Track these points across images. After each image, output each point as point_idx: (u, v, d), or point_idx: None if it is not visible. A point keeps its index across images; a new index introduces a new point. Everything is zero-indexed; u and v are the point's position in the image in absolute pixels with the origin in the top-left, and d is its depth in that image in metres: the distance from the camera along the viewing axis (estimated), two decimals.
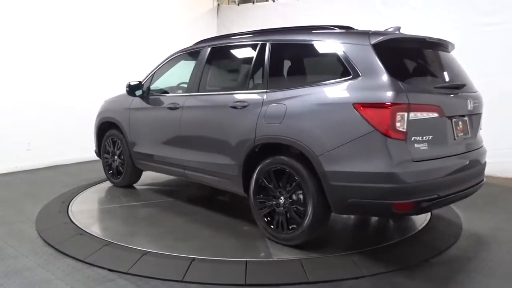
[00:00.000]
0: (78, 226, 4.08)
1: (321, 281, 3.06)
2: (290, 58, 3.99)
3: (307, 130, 3.39)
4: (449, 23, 6.49)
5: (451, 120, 3.40)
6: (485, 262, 3.40)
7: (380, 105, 3.05)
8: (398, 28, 3.60)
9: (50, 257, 3.44)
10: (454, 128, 3.43)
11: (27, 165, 6.80)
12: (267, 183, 3.69)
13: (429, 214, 4.42)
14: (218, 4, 10.07)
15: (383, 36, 3.31)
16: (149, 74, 5.27)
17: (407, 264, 3.33)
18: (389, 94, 3.05)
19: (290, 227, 3.56)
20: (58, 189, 5.47)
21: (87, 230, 3.96)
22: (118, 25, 8.06)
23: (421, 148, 3.14)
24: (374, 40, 3.27)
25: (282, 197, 3.60)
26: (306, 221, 3.43)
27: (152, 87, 5.16)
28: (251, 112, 3.79)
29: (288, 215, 3.57)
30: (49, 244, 3.68)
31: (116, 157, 5.64)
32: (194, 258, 3.34)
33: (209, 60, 4.56)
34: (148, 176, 5.89)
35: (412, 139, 3.09)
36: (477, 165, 3.69)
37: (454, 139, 3.42)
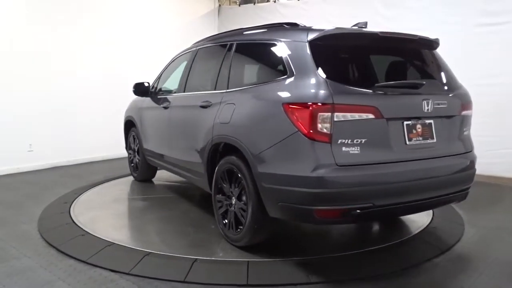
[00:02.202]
0: (80, 227, 4.09)
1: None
2: (245, 57, 3.95)
3: (246, 131, 3.38)
4: (449, 24, 6.48)
5: (402, 122, 3.11)
6: (488, 262, 3.39)
7: (303, 105, 2.90)
8: (365, 24, 3.49)
9: (52, 258, 3.44)
10: (405, 132, 3.12)
11: (29, 166, 6.81)
12: (222, 182, 3.70)
13: (431, 214, 4.41)
14: (219, 5, 10.08)
15: (320, 32, 3.12)
16: (158, 75, 5.55)
17: (409, 264, 3.32)
18: (311, 93, 2.91)
19: (239, 228, 3.54)
20: (60, 190, 5.47)
21: (89, 231, 3.97)
22: (120, 27, 8.09)
23: (351, 152, 2.88)
24: (310, 37, 3.13)
25: (234, 198, 3.58)
26: (246, 223, 3.40)
27: (159, 87, 5.36)
28: (211, 112, 3.84)
29: (236, 215, 3.56)
30: (51, 245, 3.68)
31: (136, 153, 5.98)
32: (196, 258, 3.34)
33: (194, 61, 4.72)
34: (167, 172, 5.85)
35: (339, 142, 2.84)
36: (447, 174, 3.30)
37: (405, 143, 3.11)
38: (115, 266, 3.24)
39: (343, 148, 2.86)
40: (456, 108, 3.43)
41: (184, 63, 4.96)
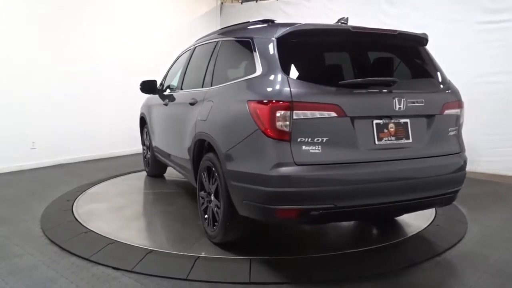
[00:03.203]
0: (82, 225, 4.09)
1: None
2: (226, 55, 3.94)
3: (218, 128, 3.42)
4: (453, 22, 6.46)
5: (372, 121, 3.00)
6: (491, 261, 3.38)
7: (263, 103, 2.87)
8: (346, 19, 3.42)
9: (55, 256, 3.45)
10: (374, 131, 3.00)
11: (32, 164, 6.83)
12: (203, 179, 3.72)
13: (433, 212, 4.40)
14: (222, 3, 10.07)
15: (287, 29, 3.08)
16: (166, 72, 5.66)
17: (411, 263, 3.32)
18: (271, 91, 2.88)
19: (215, 224, 3.56)
20: (63, 188, 5.48)
21: (91, 229, 3.97)
22: (124, 26, 8.09)
23: (311, 151, 2.80)
24: (278, 34, 3.09)
25: (212, 195, 3.59)
26: (219, 220, 3.41)
27: (165, 84, 5.45)
28: (196, 109, 3.89)
29: (213, 212, 3.57)
30: (54, 243, 3.69)
31: (148, 149, 6.14)
32: (199, 256, 3.34)
33: (190, 59, 4.79)
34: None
35: (298, 140, 2.78)
36: (425, 177, 3.12)
37: (374, 143, 2.99)
38: (118, 264, 3.24)
39: (303, 147, 2.80)
40: (436, 107, 3.24)
41: (184, 61, 5.05)
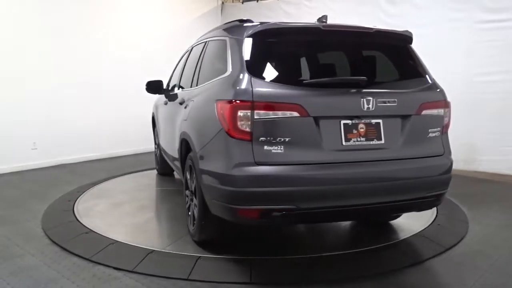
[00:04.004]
0: (84, 225, 4.10)
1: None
2: (208, 55, 3.95)
3: (194, 127, 3.47)
4: (454, 21, 6.45)
5: (340, 121, 2.92)
6: (492, 260, 3.37)
7: (226, 103, 2.88)
8: (325, 17, 3.38)
9: (56, 256, 3.45)
10: (341, 132, 2.92)
11: (33, 164, 6.84)
12: (188, 178, 3.75)
13: (434, 212, 4.40)
14: (222, 2, 10.07)
15: (255, 28, 3.08)
16: (171, 73, 5.76)
17: (412, 262, 3.31)
18: (233, 91, 2.87)
19: (193, 223, 3.59)
20: (64, 188, 5.49)
21: (92, 229, 3.98)
22: (124, 25, 8.10)
23: (273, 151, 2.78)
24: (247, 34, 3.08)
25: (193, 193, 3.62)
26: (196, 218, 3.45)
27: (171, 84, 5.50)
28: (183, 109, 3.94)
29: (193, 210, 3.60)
30: (55, 243, 3.70)
31: (158, 147, 6.23)
32: (200, 256, 3.34)
33: (187, 60, 4.85)
34: None
35: (260, 140, 2.76)
36: (399, 179, 3.02)
37: (342, 144, 2.92)
38: (119, 264, 3.24)
39: (265, 147, 2.77)
40: (412, 107, 3.11)
41: (183, 61, 5.13)
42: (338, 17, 7.51)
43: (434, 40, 6.63)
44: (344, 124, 2.93)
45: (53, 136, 7.07)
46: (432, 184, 3.13)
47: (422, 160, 3.12)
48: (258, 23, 3.15)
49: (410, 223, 4.12)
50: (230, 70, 3.08)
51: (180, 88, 4.76)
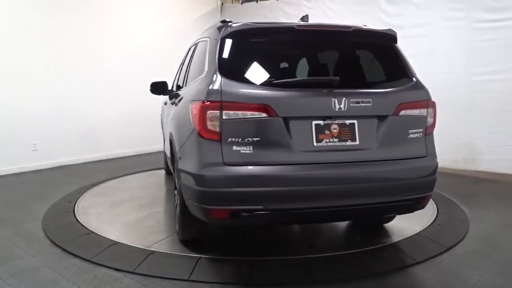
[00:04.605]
0: (84, 226, 4.10)
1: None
2: (196, 56, 3.96)
3: (176, 128, 3.53)
4: (453, 20, 6.45)
5: (311, 122, 2.88)
6: (493, 260, 3.37)
7: (197, 103, 2.90)
8: (306, 17, 3.34)
9: (57, 257, 3.45)
10: (313, 132, 2.88)
11: (34, 165, 6.84)
12: (175, 177, 3.77)
13: (435, 212, 4.40)
14: (222, 3, 10.07)
15: (229, 29, 3.09)
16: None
17: (413, 262, 3.31)
18: (204, 91, 2.88)
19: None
20: (65, 189, 5.49)
21: (93, 230, 3.98)
22: (124, 26, 8.10)
23: (242, 151, 2.77)
24: (222, 34, 3.09)
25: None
26: (179, 217, 3.49)
27: (175, 85, 5.48)
28: (173, 109, 3.99)
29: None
30: (56, 244, 3.70)
31: None
32: (200, 257, 3.35)
33: (184, 61, 4.89)
34: None
35: (229, 140, 2.77)
36: (375, 181, 2.94)
37: (313, 145, 2.87)
38: (120, 265, 3.24)
39: (234, 147, 2.78)
40: (389, 108, 3.02)
41: (182, 62, 5.18)
42: (337, 17, 7.57)
43: (433, 40, 6.64)
44: (315, 124, 2.89)
45: (54, 137, 7.07)
46: (411, 187, 3.03)
47: (401, 162, 3.04)
48: (236, 24, 3.15)
49: (410, 223, 4.12)
50: (206, 70, 3.12)
51: (178, 89, 4.78)
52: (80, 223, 4.19)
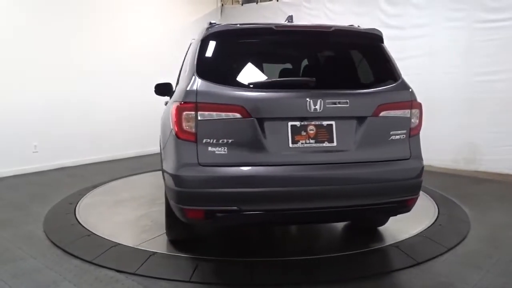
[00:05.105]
0: (85, 227, 4.10)
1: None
2: (186, 57, 3.95)
3: (161, 129, 3.57)
4: (454, 20, 6.46)
5: (287, 123, 2.85)
6: (494, 260, 3.37)
7: (175, 104, 2.93)
8: (291, 17, 3.30)
9: (58, 258, 3.45)
10: (289, 134, 2.85)
11: (34, 167, 6.84)
12: None
13: (436, 212, 4.40)
14: (222, 5, 10.09)
15: (209, 30, 3.11)
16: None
17: (414, 262, 3.31)
18: (182, 92, 2.92)
19: None
20: (65, 191, 5.49)
21: (94, 231, 3.98)
22: (125, 27, 8.10)
23: (217, 152, 2.79)
24: (203, 36, 3.12)
25: None
26: (165, 217, 3.53)
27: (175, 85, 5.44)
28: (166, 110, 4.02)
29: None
30: (57, 246, 3.70)
31: None
32: (201, 258, 3.35)
33: (182, 62, 4.82)
34: None
35: (204, 141, 2.79)
36: (353, 183, 2.89)
37: (289, 146, 2.84)
38: (121, 266, 3.25)
39: (209, 148, 2.79)
40: (368, 109, 2.96)
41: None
42: (337, 18, 7.58)
43: (434, 40, 6.65)
44: (291, 125, 2.87)
45: (54, 139, 7.07)
46: (393, 190, 2.97)
47: (381, 163, 2.97)
48: (216, 26, 3.16)
49: (411, 224, 4.12)
50: (187, 71, 3.15)
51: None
52: (81, 225, 4.19)
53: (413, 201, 3.09)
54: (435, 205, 4.70)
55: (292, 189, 2.81)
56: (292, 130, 2.86)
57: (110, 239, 3.78)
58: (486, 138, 6.27)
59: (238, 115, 2.79)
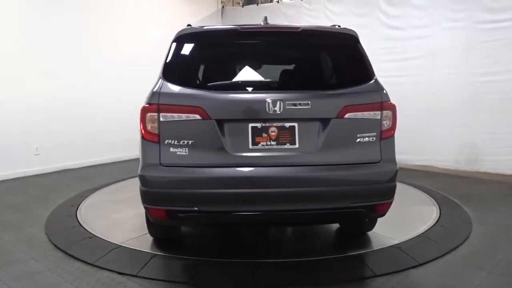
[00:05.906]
0: (87, 230, 4.10)
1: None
2: None
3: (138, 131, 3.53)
4: (454, 21, 6.45)
5: (247, 125, 2.85)
6: (496, 260, 3.36)
7: (142, 106, 3.01)
8: (265, 19, 3.33)
9: (60, 261, 3.46)
10: (249, 135, 2.85)
11: (36, 169, 6.84)
12: None
13: (438, 213, 4.39)
14: (223, 6, 10.09)
15: (178, 33, 3.18)
16: None
17: (416, 263, 3.30)
18: (148, 95, 2.99)
19: None
20: (67, 193, 5.50)
21: (96, 234, 3.99)
22: (125, 29, 8.09)
23: (178, 153, 2.84)
24: (173, 38, 3.19)
25: None
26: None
27: None
28: None
29: None
30: (59, 248, 3.70)
31: None
32: (203, 259, 3.35)
33: None
34: None
35: (166, 142, 2.86)
36: (313, 186, 2.84)
37: (249, 147, 2.85)
38: (122, 269, 3.25)
39: (171, 149, 2.86)
40: (331, 110, 2.89)
41: None
42: (337, 19, 7.59)
43: (435, 41, 6.64)
44: (252, 127, 2.87)
45: (56, 141, 7.07)
46: (360, 194, 2.89)
47: (347, 166, 2.90)
48: (187, 28, 3.22)
49: (413, 225, 4.12)
50: (159, 73, 3.18)
51: None
52: (83, 227, 4.19)
53: (386, 206, 3.02)
54: (437, 206, 4.69)
55: (251, 190, 2.81)
56: (253, 132, 2.87)
57: (112, 241, 3.78)
58: (487, 139, 6.26)
59: (198, 117, 2.85)
